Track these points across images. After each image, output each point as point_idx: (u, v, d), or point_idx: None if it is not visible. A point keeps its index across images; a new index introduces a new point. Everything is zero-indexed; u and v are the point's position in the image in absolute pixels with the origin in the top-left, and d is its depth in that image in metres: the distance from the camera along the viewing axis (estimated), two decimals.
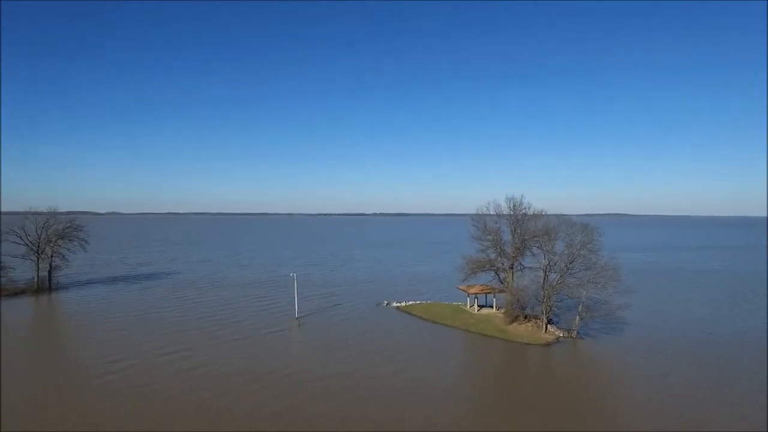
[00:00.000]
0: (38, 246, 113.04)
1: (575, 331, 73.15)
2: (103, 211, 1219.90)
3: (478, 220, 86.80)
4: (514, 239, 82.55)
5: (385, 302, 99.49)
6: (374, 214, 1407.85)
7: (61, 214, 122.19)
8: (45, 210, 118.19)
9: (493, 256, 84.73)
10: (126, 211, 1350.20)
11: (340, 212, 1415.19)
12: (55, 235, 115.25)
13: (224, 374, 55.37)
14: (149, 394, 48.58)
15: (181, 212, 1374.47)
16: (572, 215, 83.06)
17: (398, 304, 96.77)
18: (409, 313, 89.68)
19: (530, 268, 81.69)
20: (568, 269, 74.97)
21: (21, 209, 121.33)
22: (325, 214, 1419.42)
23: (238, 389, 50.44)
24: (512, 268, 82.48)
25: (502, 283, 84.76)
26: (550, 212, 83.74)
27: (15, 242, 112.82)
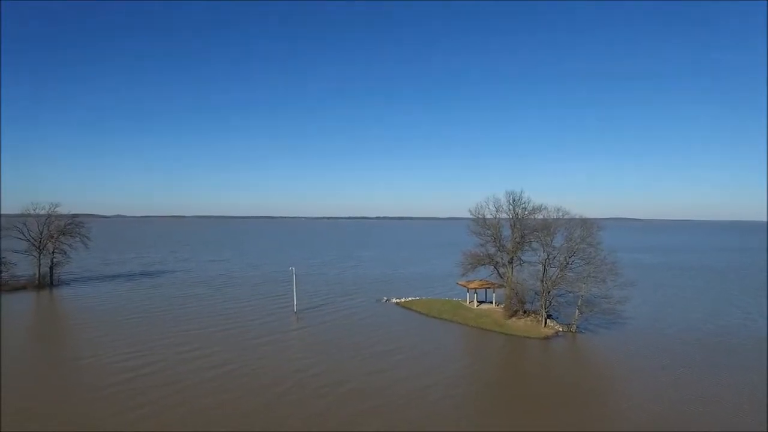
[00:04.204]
0: (40, 242, 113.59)
1: (575, 326, 72.51)
2: (109, 214, 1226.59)
3: (478, 214, 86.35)
4: (513, 234, 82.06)
5: (385, 298, 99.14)
6: (377, 218, 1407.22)
7: (66, 216, 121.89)
8: (47, 207, 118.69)
9: (492, 250, 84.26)
10: (132, 214, 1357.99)
11: (344, 216, 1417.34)
12: (57, 231, 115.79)
13: (213, 369, 54.99)
14: (149, 392, 47.34)
15: (186, 215, 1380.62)
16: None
17: (398, 300, 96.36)
18: (409, 309, 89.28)
19: (529, 262, 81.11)
20: (567, 263, 74.42)
21: (25, 210, 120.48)
22: (328, 218, 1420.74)
23: (230, 384, 49.83)
24: (511, 262, 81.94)
25: (501, 277, 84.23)
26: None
27: (17, 238, 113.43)
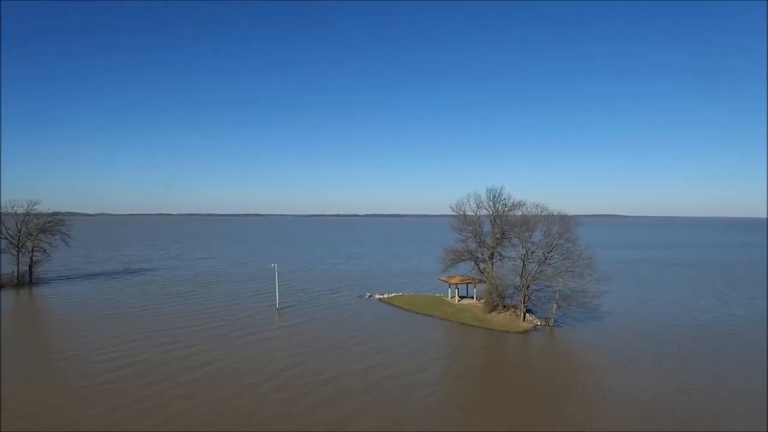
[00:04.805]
0: (18, 240, 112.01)
1: (552, 320, 73.87)
2: (92, 212, 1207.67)
3: (458, 211, 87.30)
4: (493, 230, 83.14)
5: (368, 294, 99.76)
6: (367, 215, 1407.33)
7: (46, 214, 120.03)
8: (25, 205, 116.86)
9: (473, 246, 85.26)
10: (116, 212, 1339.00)
11: (333, 213, 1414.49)
12: (36, 229, 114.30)
13: (198, 368, 54.91)
14: (136, 392, 46.65)
15: (173, 213, 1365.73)
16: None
17: (380, 296, 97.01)
18: (392, 305, 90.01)
19: (509, 258, 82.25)
20: (545, 258, 75.68)
21: (3, 208, 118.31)
22: (317, 215, 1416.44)
23: (215, 384, 49.32)
24: (491, 258, 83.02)
25: (481, 273, 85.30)
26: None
27: None
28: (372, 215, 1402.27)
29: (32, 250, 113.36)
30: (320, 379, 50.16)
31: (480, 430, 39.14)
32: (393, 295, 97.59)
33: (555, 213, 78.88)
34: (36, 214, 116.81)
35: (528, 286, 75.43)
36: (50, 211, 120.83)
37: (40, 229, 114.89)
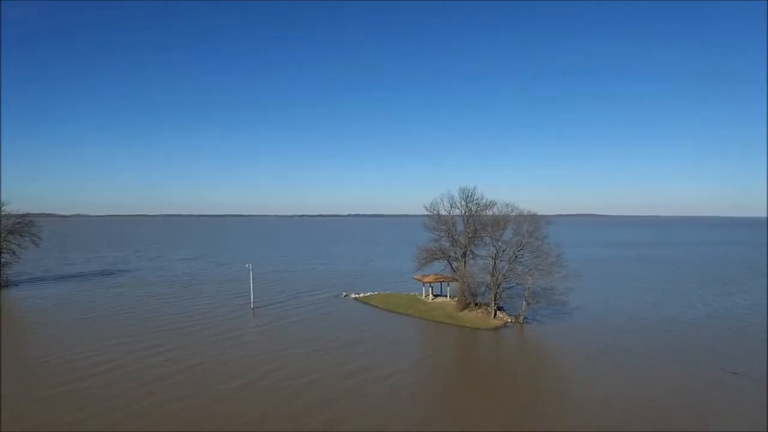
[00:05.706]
0: None
1: (522, 316, 75.78)
2: (67, 213, 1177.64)
3: (432, 210, 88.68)
4: (466, 229, 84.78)
5: (344, 293, 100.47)
6: (349, 215, 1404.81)
7: (14, 216, 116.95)
8: None
9: (446, 245, 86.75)
10: (92, 213, 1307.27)
11: (316, 213, 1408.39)
12: (5, 230, 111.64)
13: (181, 372, 54.88)
14: (125, 395, 45.88)
15: (153, 214, 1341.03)
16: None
17: (357, 295, 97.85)
18: (367, 304, 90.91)
19: (480, 256, 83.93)
20: (516, 256, 77.54)
21: None
22: (300, 216, 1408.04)
23: (194, 386, 48.85)
24: (464, 256, 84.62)
25: (454, 271, 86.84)
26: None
27: None
28: (354, 215, 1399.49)
29: (0, 253, 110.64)
30: (304, 383, 49.36)
31: (462, 429, 39.30)
32: (369, 294, 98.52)
33: (525, 212, 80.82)
34: (5, 216, 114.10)
35: (499, 284, 77.15)
36: (18, 212, 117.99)
37: (8, 231, 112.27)
